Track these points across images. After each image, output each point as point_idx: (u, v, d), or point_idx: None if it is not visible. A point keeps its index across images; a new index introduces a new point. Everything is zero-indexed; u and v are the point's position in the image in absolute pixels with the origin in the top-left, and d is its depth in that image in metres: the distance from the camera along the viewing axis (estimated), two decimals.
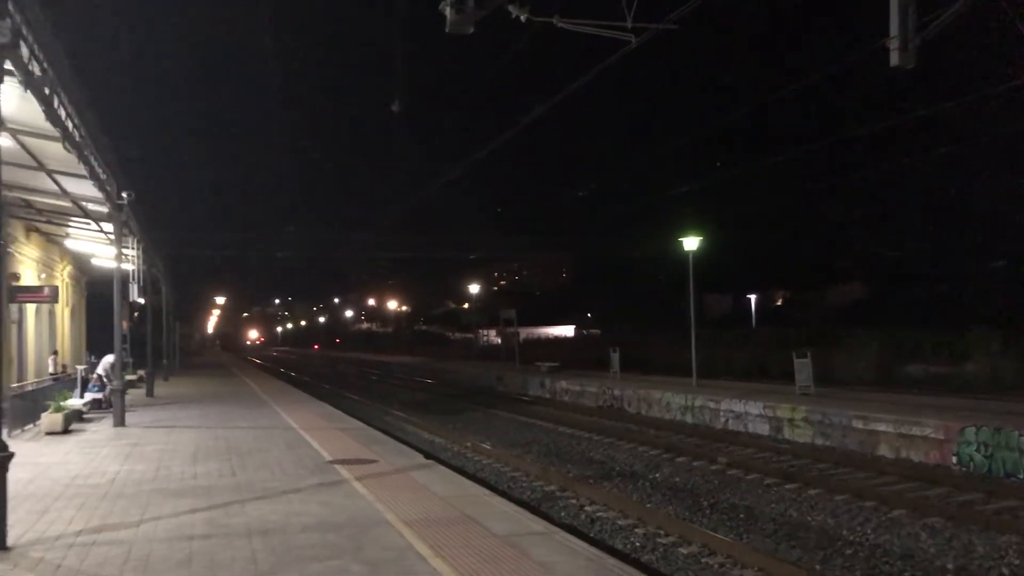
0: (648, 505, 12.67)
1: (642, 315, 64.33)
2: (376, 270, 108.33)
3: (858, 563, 9.63)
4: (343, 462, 11.68)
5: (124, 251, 18.89)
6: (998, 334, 28.50)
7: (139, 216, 20.29)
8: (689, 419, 22.13)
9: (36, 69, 9.02)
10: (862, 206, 60.16)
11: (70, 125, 11.19)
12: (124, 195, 16.38)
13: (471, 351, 64.36)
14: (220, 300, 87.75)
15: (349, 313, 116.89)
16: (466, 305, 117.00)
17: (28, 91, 8.92)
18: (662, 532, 10.87)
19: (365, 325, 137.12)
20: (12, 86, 9.94)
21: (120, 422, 17.03)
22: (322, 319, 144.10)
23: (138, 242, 20.50)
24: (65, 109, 10.82)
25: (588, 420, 23.27)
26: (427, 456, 13.74)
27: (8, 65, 8.47)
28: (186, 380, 34.96)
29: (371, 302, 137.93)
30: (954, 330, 31.44)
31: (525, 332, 64.90)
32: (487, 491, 10.00)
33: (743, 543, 10.22)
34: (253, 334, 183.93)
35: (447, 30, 9.16)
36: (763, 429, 19.42)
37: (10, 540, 7.26)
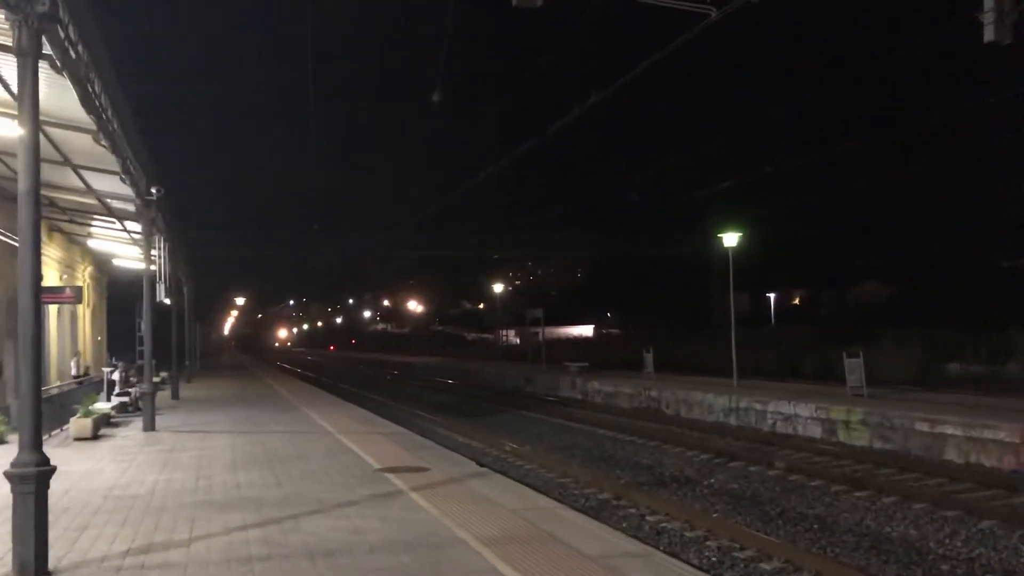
0: (714, 515, 11.93)
1: (664, 315, 63.47)
2: (395, 271, 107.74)
3: None
4: (392, 470, 10.99)
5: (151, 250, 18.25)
6: None
7: (166, 214, 19.69)
8: (733, 421, 21.36)
9: (71, 52, 8.37)
10: (889, 206, 59.42)
11: (105, 115, 10.55)
12: (153, 191, 15.75)
13: (492, 351, 63.63)
14: (239, 301, 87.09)
15: (367, 314, 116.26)
16: (481, 305, 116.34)
17: (64, 73, 8.26)
18: (737, 546, 10.12)
19: (381, 326, 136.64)
20: (42, 71, 9.32)
21: (150, 426, 16.42)
22: (339, 320, 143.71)
23: (165, 240, 19.87)
24: (99, 99, 10.17)
25: (626, 422, 22.51)
26: (479, 463, 13.03)
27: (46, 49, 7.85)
28: (209, 382, 34.43)
29: (386, 303, 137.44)
30: (982, 330, 30.62)
31: (545, 332, 64.04)
32: (558, 504, 9.28)
33: (833, 559, 9.47)
34: (282, 334, 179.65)
35: (514, 3, 8.46)
36: (815, 432, 18.63)
37: (51, 563, 6.58)
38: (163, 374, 29.66)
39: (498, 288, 50.69)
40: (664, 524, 11.38)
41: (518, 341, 75.57)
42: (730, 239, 24.35)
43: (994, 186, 53.02)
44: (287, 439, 14.73)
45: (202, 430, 16.51)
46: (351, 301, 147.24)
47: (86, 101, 9.19)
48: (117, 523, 8.15)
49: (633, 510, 12.32)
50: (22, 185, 6.35)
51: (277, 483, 10.23)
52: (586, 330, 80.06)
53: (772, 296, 67.91)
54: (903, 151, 50.58)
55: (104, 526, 8.02)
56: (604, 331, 76.90)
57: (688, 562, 7.89)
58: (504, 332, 76.55)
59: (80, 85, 8.84)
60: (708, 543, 10.37)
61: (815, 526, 11.36)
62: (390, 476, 10.55)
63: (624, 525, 11.24)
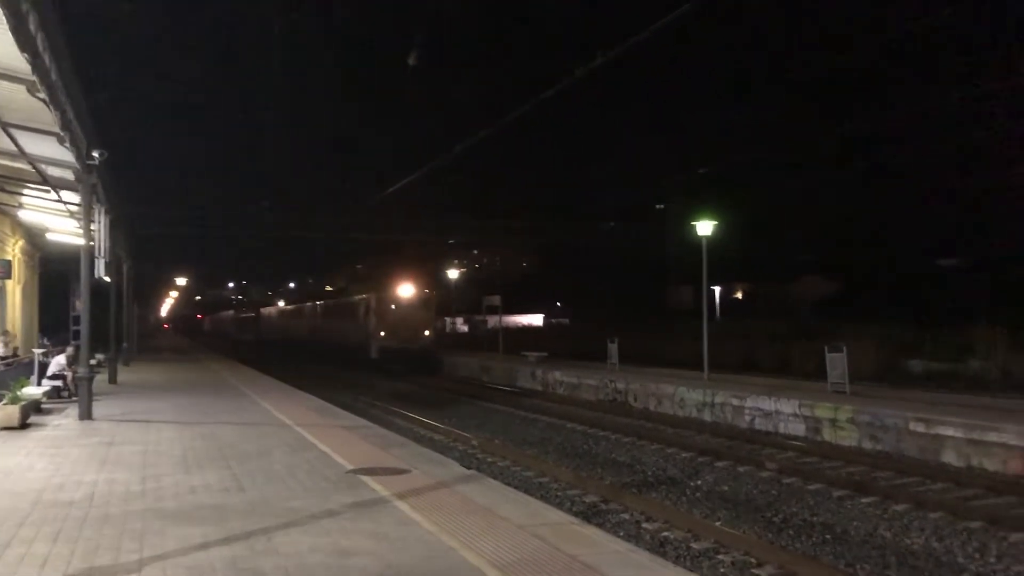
0: (717, 523, 10.94)
1: (616, 305, 62.71)
2: (342, 254, 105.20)
3: None
4: (369, 472, 9.75)
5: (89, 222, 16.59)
6: (1005, 331, 27.51)
7: (107, 182, 18.04)
8: (707, 416, 20.49)
9: None
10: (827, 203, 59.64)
11: (46, 59, 9.07)
12: (95, 154, 14.17)
13: (442, 339, 62.21)
14: (181, 282, 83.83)
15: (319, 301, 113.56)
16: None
17: None
18: (753, 560, 9.14)
19: None
20: None
21: (87, 414, 14.86)
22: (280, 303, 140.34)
23: (105, 212, 18.20)
24: (36, 37, 8.69)
25: (595, 416, 21.53)
26: (464, 465, 11.85)
27: None
28: (147, 365, 32.60)
29: (329, 288, 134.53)
30: (934, 327, 30.47)
31: (493, 320, 62.88)
32: (572, 518, 8.14)
33: None
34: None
35: None
36: (798, 430, 17.83)
37: None
38: (99, 356, 27.85)
39: (453, 274, 49.17)
40: (665, 533, 10.38)
41: (467, 329, 74.37)
42: (704, 227, 23.47)
43: (927, 187, 53.62)
44: (242, 431, 13.35)
45: (145, 419, 15.02)
46: (292, 285, 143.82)
47: (19, 33, 7.73)
48: (49, 538, 6.80)
49: (626, 515, 11.33)
50: None
51: (238, 486, 8.91)
52: (535, 319, 79.05)
53: (717, 289, 67.69)
54: (847, 150, 50.71)
55: (33, 543, 6.66)
56: (553, 320, 76.08)
57: None
58: (451, 319, 75.13)
59: (13, 14, 7.40)
60: (720, 556, 9.39)
61: (827, 536, 10.45)
62: (367, 479, 9.30)
63: (621, 534, 10.20)
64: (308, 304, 64.63)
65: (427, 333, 41.13)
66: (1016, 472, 13.20)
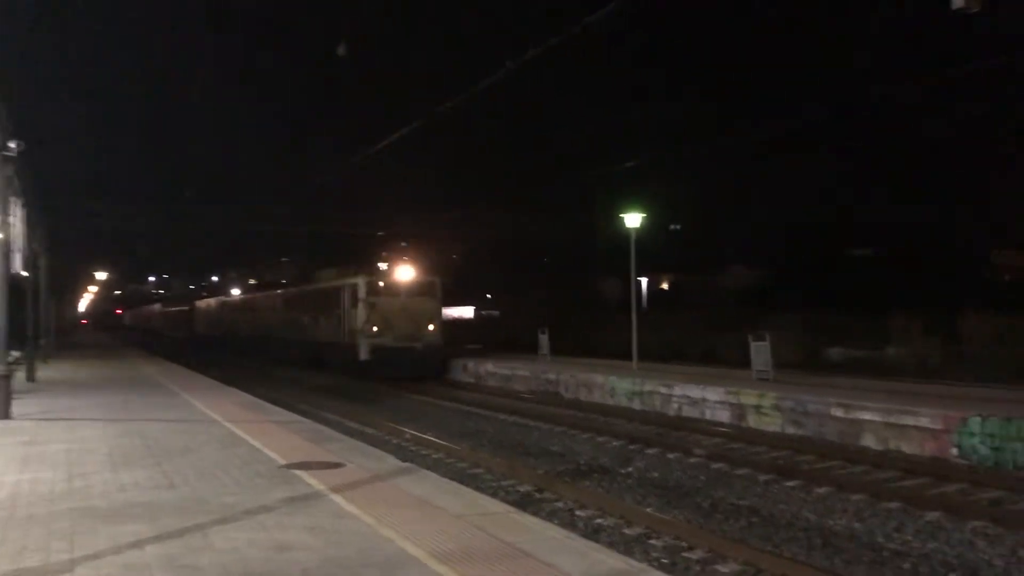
0: (648, 509, 11.17)
1: (547, 297, 63.15)
2: (266, 247, 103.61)
3: None
4: (303, 466, 9.69)
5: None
6: (920, 320, 28.53)
7: (24, 174, 17.50)
8: (637, 405, 20.84)
9: None
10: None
11: None
12: (12, 144, 13.74)
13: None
14: (100, 276, 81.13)
15: (234, 292, 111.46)
16: None
17: None
18: (684, 544, 9.36)
19: None
20: None
21: (4, 413, 14.42)
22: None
23: (22, 205, 17.66)
24: None
25: (528, 407, 21.72)
26: (399, 458, 11.86)
27: None
28: (68, 362, 31.65)
29: (252, 281, 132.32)
30: (854, 315, 31.51)
31: None
32: (509, 507, 8.25)
33: (792, 559, 8.81)
34: None
35: None
36: (723, 416, 18.28)
37: None
38: (15, 354, 26.95)
39: (383, 267, 48.70)
40: (599, 520, 10.56)
41: None
42: (632, 220, 23.80)
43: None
44: (170, 428, 13.12)
45: (67, 418, 14.65)
46: (215, 279, 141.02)
47: None
48: None
49: (560, 504, 11.48)
50: None
51: (169, 484, 8.78)
52: (466, 311, 79.02)
53: (644, 280, 68.60)
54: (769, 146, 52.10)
55: None
56: (484, 313, 76.22)
57: None
58: None
59: None
60: (652, 541, 9.58)
61: (754, 519, 10.75)
62: (301, 474, 9.25)
63: (556, 522, 10.33)
64: (262, 295, 54.45)
65: (432, 328, 32.04)
66: (932, 453, 13.77)
